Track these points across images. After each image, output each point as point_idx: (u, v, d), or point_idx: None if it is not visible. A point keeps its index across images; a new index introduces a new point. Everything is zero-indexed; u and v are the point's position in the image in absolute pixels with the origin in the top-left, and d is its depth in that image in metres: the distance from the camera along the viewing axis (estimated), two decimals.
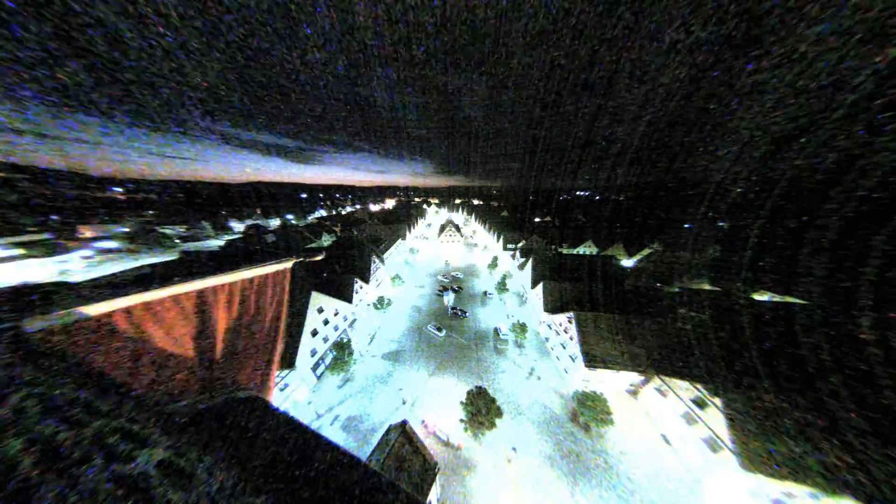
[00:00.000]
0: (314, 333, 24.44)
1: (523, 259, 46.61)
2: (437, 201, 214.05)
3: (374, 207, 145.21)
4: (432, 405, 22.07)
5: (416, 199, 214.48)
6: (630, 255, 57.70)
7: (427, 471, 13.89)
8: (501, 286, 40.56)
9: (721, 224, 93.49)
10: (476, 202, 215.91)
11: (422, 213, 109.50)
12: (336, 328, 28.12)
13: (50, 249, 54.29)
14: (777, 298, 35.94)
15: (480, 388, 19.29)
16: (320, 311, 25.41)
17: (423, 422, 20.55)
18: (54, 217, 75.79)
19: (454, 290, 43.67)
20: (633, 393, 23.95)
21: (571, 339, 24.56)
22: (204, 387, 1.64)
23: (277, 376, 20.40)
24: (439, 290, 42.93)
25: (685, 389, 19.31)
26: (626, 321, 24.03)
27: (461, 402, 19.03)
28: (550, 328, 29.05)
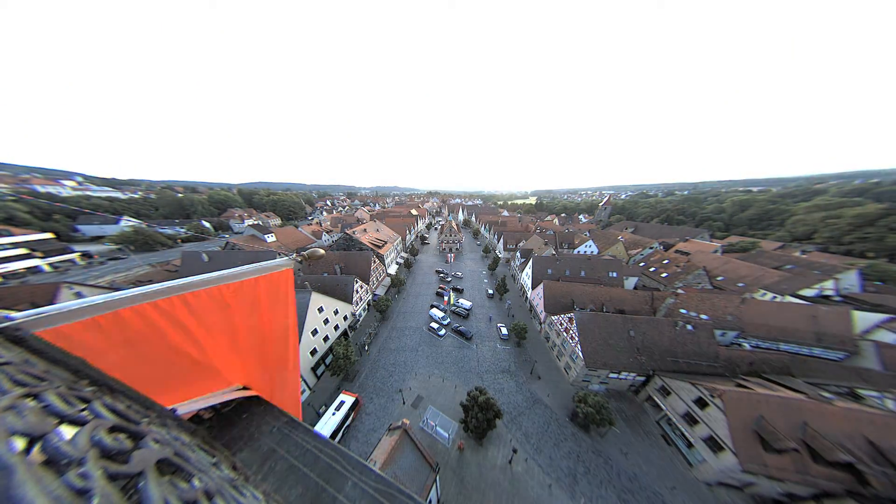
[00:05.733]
0: (314, 333, 24.47)
1: (524, 259, 46.62)
2: (438, 201, 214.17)
3: (376, 208, 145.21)
4: (432, 405, 22.07)
5: (417, 200, 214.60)
6: (629, 255, 57.64)
7: (427, 471, 13.90)
8: (502, 286, 40.54)
9: None
10: (478, 202, 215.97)
11: (422, 214, 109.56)
12: (336, 328, 28.14)
13: (51, 248, 54.43)
14: (779, 298, 35.87)
15: (480, 388, 19.28)
16: (320, 310, 25.43)
17: (422, 421, 20.55)
18: (56, 216, 75.98)
19: (455, 290, 43.66)
20: (635, 392, 23.94)
21: (572, 339, 24.55)
22: (204, 386, 1.64)
23: None
24: (439, 290, 42.90)
25: (686, 389, 19.30)
26: (628, 321, 23.99)
27: (461, 403, 19.02)
28: (551, 328, 29.03)
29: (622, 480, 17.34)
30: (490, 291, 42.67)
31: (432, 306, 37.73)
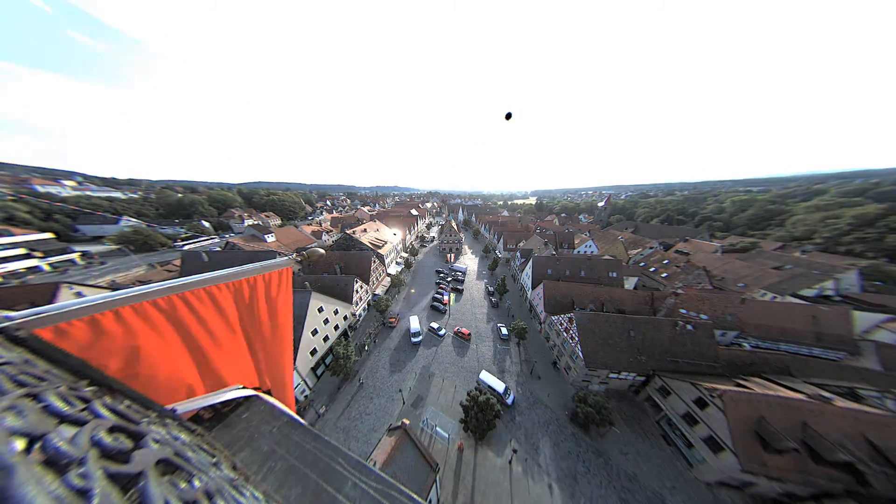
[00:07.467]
0: (314, 333, 24.46)
1: (524, 259, 46.61)
2: (438, 201, 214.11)
3: (376, 207, 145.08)
4: (432, 405, 22.07)
5: (417, 200, 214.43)
6: (629, 255, 57.63)
7: (427, 471, 13.90)
8: (502, 286, 40.53)
9: None
10: (478, 202, 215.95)
11: (422, 214, 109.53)
12: (336, 328, 28.13)
13: (51, 248, 54.40)
14: (779, 298, 35.88)
15: (481, 388, 19.28)
16: (320, 310, 25.42)
17: (423, 421, 20.55)
18: (56, 216, 75.94)
19: (455, 291, 43.63)
20: (635, 392, 23.94)
21: (572, 339, 24.55)
22: (204, 386, 1.64)
23: None
24: (440, 290, 42.88)
25: (686, 389, 19.30)
26: (628, 321, 23.97)
27: (461, 403, 19.03)
28: (551, 328, 29.02)
29: (622, 480, 17.34)
30: (490, 291, 42.63)
31: (432, 307, 37.73)
